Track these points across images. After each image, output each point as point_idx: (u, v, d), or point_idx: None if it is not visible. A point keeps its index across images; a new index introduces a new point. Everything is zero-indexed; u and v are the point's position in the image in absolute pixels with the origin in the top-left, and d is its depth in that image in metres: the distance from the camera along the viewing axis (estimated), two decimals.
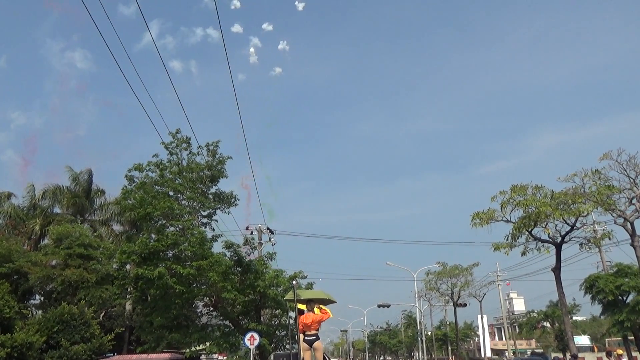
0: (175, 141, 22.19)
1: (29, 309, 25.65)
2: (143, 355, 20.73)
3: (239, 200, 23.70)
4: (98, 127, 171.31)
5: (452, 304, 50.23)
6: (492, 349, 63.61)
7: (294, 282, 14.93)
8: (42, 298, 26.51)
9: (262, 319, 22.54)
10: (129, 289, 21.60)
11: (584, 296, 29.71)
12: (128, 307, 28.01)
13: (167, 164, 21.86)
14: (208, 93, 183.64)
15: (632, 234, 23.18)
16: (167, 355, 20.91)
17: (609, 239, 25.12)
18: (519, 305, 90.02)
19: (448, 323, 69.41)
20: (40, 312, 25.23)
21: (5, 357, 18.33)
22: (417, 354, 74.74)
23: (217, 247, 20.50)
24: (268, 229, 34.19)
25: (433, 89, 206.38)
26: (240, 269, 20.55)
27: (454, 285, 48.08)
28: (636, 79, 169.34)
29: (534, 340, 72.88)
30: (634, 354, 32.87)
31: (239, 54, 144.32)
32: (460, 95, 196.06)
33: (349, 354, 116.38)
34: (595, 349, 63.85)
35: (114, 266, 22.17)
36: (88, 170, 33.99)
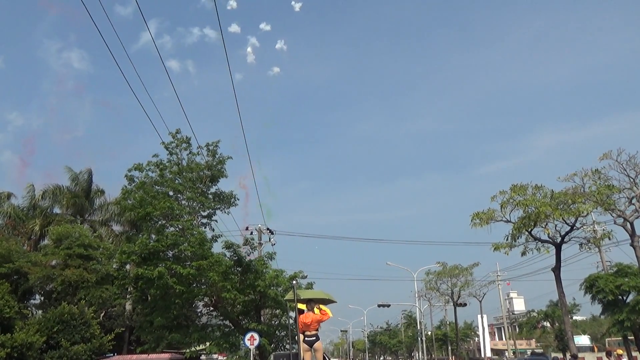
0: (175, 141, 22.18)
1: (29, 309, 25.64)
2: (143, 355, 20.72)
3: (238, 200, 23.73)
4: (96, 128, 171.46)
5: (452, 304, 50.25)
6: (492, 349, 63.69)
7: (294, 282, 14.95)
8: (42, 298, 26.51)
9: (262, 319, 22.54)
10: (129, 289, 21.60)
11: (584, 296, 29.73)
12: (128, 307, 28.01)
13: (167, 164, 21.85)
14: (205, 93, 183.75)
15: (632, 234, 23.19)
16: (167, 355, 20.89)
17: (609, 239, 25.16)
18: (519, 305, 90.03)
19: (448, 323, 69.43)
20: (40, 312, 25.23)
21: (5, 357, 18.33)
22: (417, 354, 74.72)
23: (217, 247, 20.53)
24: (268, 229, 34.21)
25: (433, 89, 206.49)
26: (240, 269, 20.55)
27: (454, 285, 48.10)
28: (636, 79, 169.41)
29: (534, 340, 72.85)
30: (634, 354, 32.87)
31: (237, 54, 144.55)
32: (460, 95, 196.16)
33: (349, 354, 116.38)
34: (595, 349, 63.83)
35: (114, 266, 22.16)
36: (88, 170, 34.01)
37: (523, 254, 25.35)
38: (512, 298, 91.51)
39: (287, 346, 21.03)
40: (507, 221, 24.71)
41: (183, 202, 21.71)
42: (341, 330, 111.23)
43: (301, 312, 11.31)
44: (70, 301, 22.63)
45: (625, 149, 23.96)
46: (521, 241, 24.90)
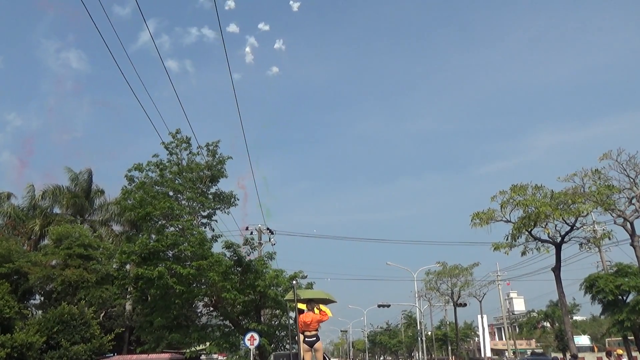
0: (175, 141, 22.17)
1: (29, 309, 25.64)
2: (143, 355, 20.72)
3: (238, 200, 23.73)
4: (95, 128, 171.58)
5: (452, 304, 50.23)
6: (492, 349, 63.66)
7: (294, 282, 14.95)
8: (42, 298, 26.50)
9: (262, 319, 22.53)
10: (129, 289, 21.59)
11: (584, 296, 29.73)
12: (128, 307, 28.01)
13: (167, 164, 21.84)
14: (204, 93, 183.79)
15: (632, 234, 23.19)
16: (167, 355, 20.90)
17: (609, 238, 25.16)
18: (519, 305, 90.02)
19: (448, 323, 69.42)
20: (40, 312, 25.22)
21: (5, 357, 18.32)
22: (417, 354, 74.71)
23: (217, 247, 20.52)
24: (268, 229, 34.21)
25: (433, 89, 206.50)
26: (240, 269, 20.55)
27: (454, 285, 48.08)
28: (636, 79, 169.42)
29: (534, 340, 72.88)
30: (634, 354, 32.87)
31: (236, 54, 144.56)
32: (460, 95, 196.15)
33: (349, 354, 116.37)
34: (595, 349, 63.86)
35: (114, 266, 22.15)
36: (88, 170, 34.02)
37: (523, 254, 25.37)
38: (512, 298, 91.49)
39: (287, 346, 21.02)
40: (507, 221, 24.72)
41: (183, 202, 21.70)
42: (341, 330, 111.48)
43: (301, 311, 11.32)
44: (70, 301, 22.63)
45: (625, 149, 24.01)
46: (521, 241, 24.94)
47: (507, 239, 24.77)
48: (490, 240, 34.21)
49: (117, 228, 33.69)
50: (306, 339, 10.90)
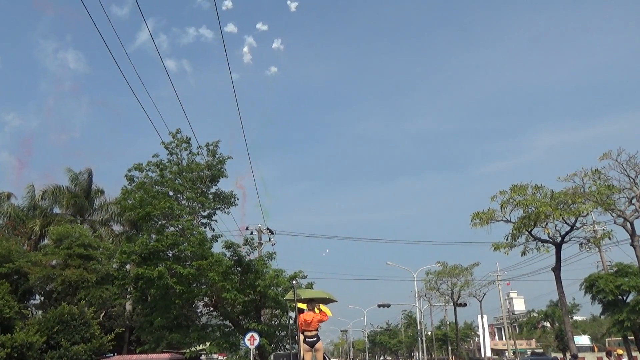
0: (175, 141, 22.16)
1: (29, 309, 25.62)
2: (143, 355, 20.73)
3: (238, 200, 23.72)
4: (94, 128, 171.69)
5: (452, 304, 50.20)
6: (492, 349, 63.58)
7: (294, 282, 14.93)
8: (42, 298, 26.49)
9: (262, 319, 22.52)
10: (129, 289, 21.59)
11: (584, 296, 29.76)
12: (128, 307, 28.00)
13: (167, 164, 21.83)
14: (202, 93, 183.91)
15: (632, 234, 23.18)
16: (167, 355, 20.90)
17: (609, 238, 25.13)
18: (519, 305, 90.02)
19: (448, 323, 69.41)
20: (40, 312, 25.21)
21: (5, 357, 18.31)
22: (417, 354, 74.71)
23: (217, 247, 20.51)
24: (268, 229, 34.20)
25: (433, 89, 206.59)
26: (240, 269, 20.54)
27: (454, 285, 48.05)
28: (636, 79, 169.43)
29: (534, 340, 72.88)
30: (634, 353, 32.88)
31: (234, 54, 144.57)
32: (460, 95, 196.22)
33: (349, 354, 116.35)
34: (596, 349, 63.86)
35: (114, 266, 22.16)
36: (88, 170, 34.01)
37: (523, 253, 25.35)
38: (512, 298, 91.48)
39: (287, 346, 21.02)
40: (507, 221, 24.71)
41: (183, 202, 21.69)
42: (341, 330, 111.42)
43: (301, 311, 11.32)
44: (70, 301, 22.62)
45: (625, 149, 23.99)
46: (521, 241, 24.91)
47: (507, 239, 24.76)
48: (490, 240, 34.26)
49: (117, 228, 33.71)
50: (307, 339, 10.89)
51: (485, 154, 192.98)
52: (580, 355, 34.22)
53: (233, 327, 21.56)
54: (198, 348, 22.54)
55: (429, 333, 69.34)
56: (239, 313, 22.00)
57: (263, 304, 21.63)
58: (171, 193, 21.49)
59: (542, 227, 23.96)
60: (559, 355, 47.59)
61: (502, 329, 75.13)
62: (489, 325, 66.93)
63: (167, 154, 22.04)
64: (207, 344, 21.06)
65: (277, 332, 22.57)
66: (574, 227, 23.83)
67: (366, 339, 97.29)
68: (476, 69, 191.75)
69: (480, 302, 50.21)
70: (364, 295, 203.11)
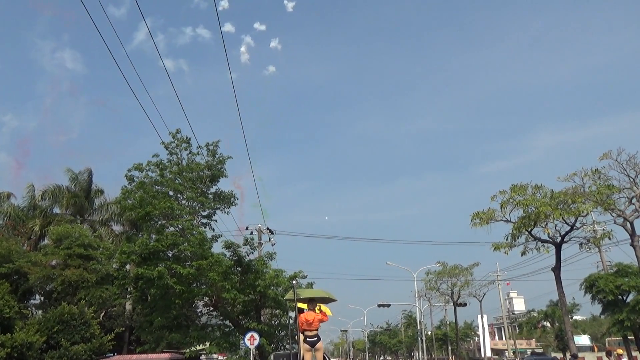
0: (175, 141, 22.16)
1: (29, 309, 25.61)
2: (143, 355, 20.71)
3: (238, 199, 23.71)
4: (93, 128, 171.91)
5: (452, 304, 50.20)
6: (492, 349, 63.59)
7: (294, 282, 14.92)
8: (42, 298, 26.48)
9: (262, 318, 22.52)
10: (129, 289, 21.58)
11: (584, 296, 29.78)
12: (128, 307, 28.00)
13: (167, 164, 21.82)
14: (199, 93, 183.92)
15: (632, 234, 23.17)
16: (167, 355, 20.89)
17: (609, 238, 25.12)
18: (519, 305, 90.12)
19: (448, 323, 69.40)
20: (40, 312, 25.21)
21: (5, 357, 18.31)
22: (417, 354, 74.70)
23: (217, 247, 20.51)
24: (268, 229, 34.18)
25: (433, 89, 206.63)
26: (240, 269, 20.54)
27: (454, 285, 48.04)
28: (636, 79, 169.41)
29: (534, 340, 72.88)
30: (634, 353, 32.88)
31: (231, 54, 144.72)
32: (460, 95, 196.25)
33: (349, 354, 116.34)
34: (595, 349, 63.88)
35: (114, 266, 22.16)
36: (88, 170, 33.99)
37: (523, 253, 25.35)
38: (512, 298, 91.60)
39: (287, 346, 21.01)
40: (507, 221, 24.69)
41: (183, 202, 21.68)
42: (341, 330, 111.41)
43: (301, 311, 11.31)
44: (70, 301, 22.62)
45: (625, 148, 23.98)
46: (521, 241, 24.89)
47: (507, 239, 24.75)
48: (490, 240, 34.29)
49: (117, 228, 33.70)
50: (307, 339, 10.88)
51: (485, 154, 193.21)
52: (580, 355, 34.23)
53: (233, 327, 21.56)
54: (198, 348, 22.54)
55: (429, 333, 69.34)
56: (239, 313, 21.99)
57: (263, 303, 21.62)
58: (171, 193, 21.49)
59: (542, 227, 23.95)
60: (559, 355, 47.59)
61: (502, 328, 75.14)
62: (489, 325, 66.98)
63: (167, 154, 22.05)
64: (207, 343, 21.06)
65: (277, 332, 22.57)
66: (574, 227, 23.82)
67: (366, 338, 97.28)
68: (476, 69, 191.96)
69: (480, 302, 50.25)
70: (364, 295, 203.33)
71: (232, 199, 23.41)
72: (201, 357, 27.41)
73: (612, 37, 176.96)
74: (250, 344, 18.79)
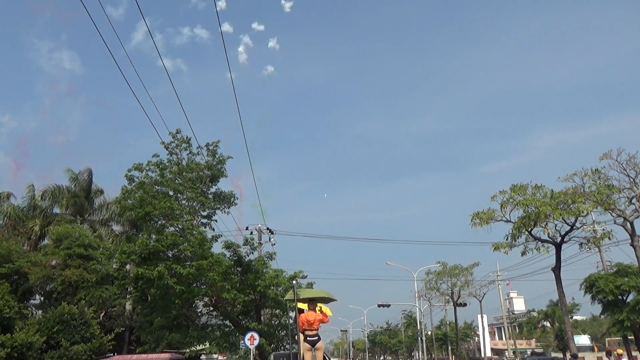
0: (175, 141, 22.16)
1: (29, 309, 25.62)
2: (143, 355, 20.69)
3: (237, 199, 23.71)
4: (92, 128, 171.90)
5: (452, 304, 50.21)
6: (492, 349, 63.65)
7: (294, 282, 14.92)
8: (42, 298, 26.49)
9: (262, 318, 22.52)
10: (129, 289, 21.58)
11: (584, 296, 29.76)
12: (128, 307, 28.00)
13: (167, 164, 21.83)
14: (197, 93, 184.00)
15: (632, 234, 23.18)
16: (167, 355, 20.88)
17: (609, 238, 25.12)
18: (519, 305, 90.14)
19: (448, 323, 69.41)
20: (40, 312, 25.21)
21: (5, 357, 18.32)
22: (417, 354, 74.71)
23: (217, 248, 20.50)
24: (268, 229, 34.18)
25: (433, 89, 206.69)
26: (240, 269, 20.53)
27: (454, 285, 48.05)
28: (636, 79, 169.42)
29: (534, 340, 72.92)
30: (634, 353, 32.87)
31: (229, 54, 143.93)
32: (460, 95, 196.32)
33: (349, 354, 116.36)
34: (595, 349, 63.86)
35: (114, 266, 22.14)
36: (87, 170, 33.98)
37: (523, 253, 25.34)
38: (512, 298, 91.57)
39: (287, 346, 21.01)
40: (507, 221, 24.69)
41: (183, 202, 21.68)
42: (341, 330, 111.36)
43: (301, 311, 11.31)
44: (70, 301, 22.63)
45: (625, 148, 23.99)
46: (521, 241, 24.89)
47: (507, 239, 24.75)
48: (490, 240, 34.29)
49: (117, 228, 33.69)
50: (308, 338, 10.88)
51: (485, 153, 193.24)
52: (580, 355, 34.24)
53: (233, 327, 21.56)
54: (198, 348, 22.54)
55: (429, 333, 69.35)
56: (238, 313, 21.99)
57: (263, 303, 21.62)
58: (171, 193, 21.48)
59: (542, 227, 23.95)
60: (559, 355, 47.59)
61: (502, 328, 75.15)
62: (489, 325, 66.99)
63: (167, 154, 22.05)
64: (207, 343, 21.06)
65: (277, 332, 22.57)
66: (574, 227, 23.82)
67: (366, 338, 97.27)
68: (476, 69, 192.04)
69: (480, 302, 50.27)
70: (364, 295, 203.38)
71: (232, 199, 23.43)
72: (201, 357, 27.41)
73: (612, 37, 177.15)
74: (250, 344, 18.79)
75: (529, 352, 64.12)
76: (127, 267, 21.76)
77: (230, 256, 20.31)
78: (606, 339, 58.72)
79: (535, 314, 64.09)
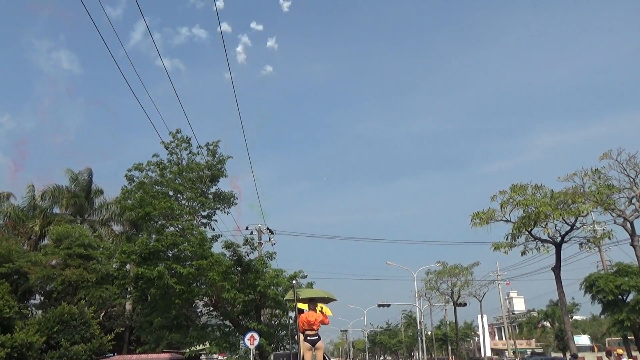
0: (175, 141, 22.16)
1: (29, 309, 25.63)
2: (143, 355, 20.70)
3: (237, 199, 23.71)
4: (92, 128, 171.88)
5: (452, 304, 50.21)
6: (492, 349, 63.62)
7: (294, 282, 14.91)
8: (42, 298, 26.50)
9: (262, 318, 22.52)
10: (129, 289, 21.57)
11: (584, 295, 29.80)
12: (128, 307, 28.00)
13: (167, 164, 21.83)
14: (196, 93, 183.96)
15: (632, 234, 23.19)
16: (167, 355, 20.89)
17: (609, 238, 25.16)
18: (519, 305, 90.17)
19: (448, 323, 69.42)
20: (40, 312, 25.21)
21: (5, 357, 18.32)
22: (417, 354, 74.72)
23: (217, 247, 20.50)
24: (268, 228, 34.19)
25: (433, 89, 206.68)
26: (240, 269, 20.53)
27: (454, 285, 48.05)
28: (636, 79, 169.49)
29: (534, 340, 72.91)
30: (634, 353, 32.87)
31: (228, 53, 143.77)
32: (460, 95, 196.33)
33: (349, 354, 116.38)
34: (595, 349, 63.83)
35: (114, 266, 22.13)
36: (87, 170, 33.96)
37: (523, 253, 25.37)
38: (512, 298, 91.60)
39: (287, 346, 21.01)
40: (507, 221, 24.71)
41: (183, 202, 21.68)
42: (341, 330, 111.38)
43: (301, 311, 11.30)
44: (70, 301, 22.63)
45: (625, 148, 24.01)
46: (521, 241, 24.93)
47: (507, 239, 24.77)
48: (490, 240, 34.26)
49: (117, 228, 33.68)
50: (308, 337, 10.88)
51: (485, 154, 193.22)
52: (580, 355, 34.22)
53: (233, 327, 21.56)
54: (198, 348, 22.53)
55: (429, 333, 69.35)
56: (238, 313, 21.99)
57: (263, 303, 21.62)
58: (171, 193, 21.48)
59: (542, 227, 23.97)
60: (559, 355, 47.59)
61: (502, 328, 75.15)
62: (489, 325, 66.98)
63: (167, 154, 22.05)
64: (207, 343, 21.05)
65: (277, 332, 22.56)
66: (574, 227, 23.84)
67: (366, 338, 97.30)
68: (476, 69, 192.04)
69: (480, 302, 50.26)
70: (364, 295, 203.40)
71: (232, 199, 23.43)
72: (201, 357, 27.42)
73: (612, 37, 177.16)
74: (250, 344, 18.78)
75: (529, 352, 64.08)
76: (127, 267, 21.77)
77: (230, 256, 20.31)
78: (606, 339, 58.70)
79: (535, 313, 64.21)
